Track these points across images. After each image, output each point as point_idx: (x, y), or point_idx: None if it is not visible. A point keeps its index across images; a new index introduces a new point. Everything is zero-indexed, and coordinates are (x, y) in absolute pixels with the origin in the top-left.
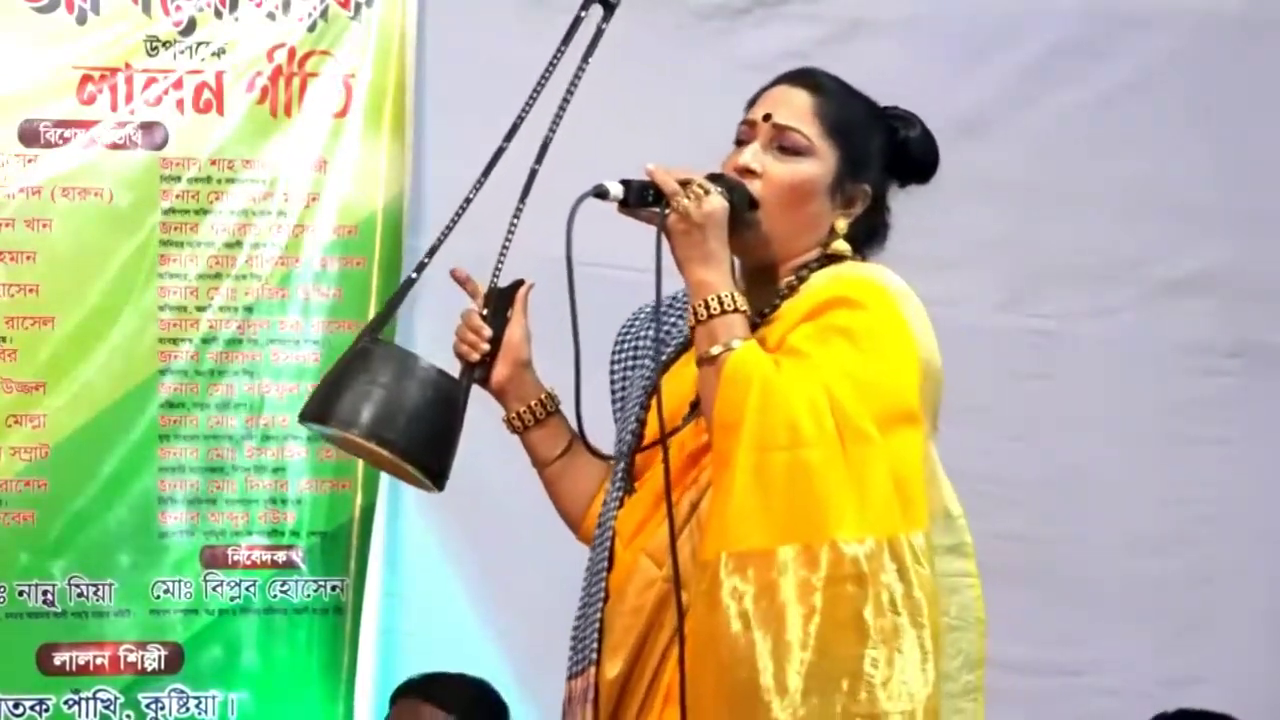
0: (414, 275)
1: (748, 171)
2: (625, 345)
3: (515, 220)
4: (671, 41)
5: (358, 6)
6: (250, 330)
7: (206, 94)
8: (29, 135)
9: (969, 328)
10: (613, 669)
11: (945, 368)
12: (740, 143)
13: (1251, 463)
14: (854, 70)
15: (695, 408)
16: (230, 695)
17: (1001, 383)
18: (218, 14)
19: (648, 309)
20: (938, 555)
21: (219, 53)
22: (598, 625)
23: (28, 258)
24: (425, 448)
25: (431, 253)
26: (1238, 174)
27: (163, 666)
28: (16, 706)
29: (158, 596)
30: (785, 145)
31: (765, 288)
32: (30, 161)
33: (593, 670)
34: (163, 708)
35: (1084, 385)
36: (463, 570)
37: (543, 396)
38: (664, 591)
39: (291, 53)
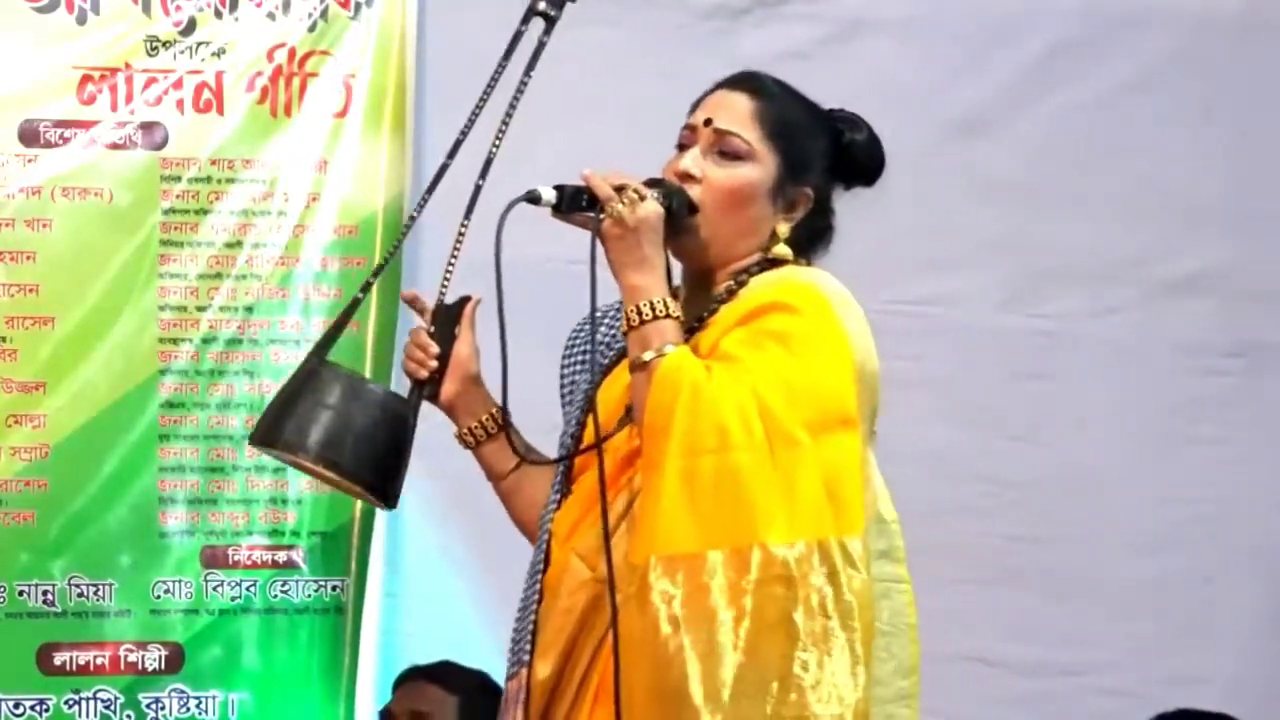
0: (360, 295)
1: (688, 176)
2: (574, 351)
3: (461, 235)
4: (671, 41)
5: (358, 6)
6: (250, 330)
7: (206, 94)
8: (29, 135)
9: (969, 328)
10: (544, 669)
11: (945, 367)
12: (682, 147)
13: (1252, 462)
14: (854, 70)
15: (630, 412)
16: (230, 695)
17: (1002, 383)
18: (218, 14)
19: (599, 313)
20: (871, 560)
21: (219, 53)
22: (532, 626)
23: (28, 258)
24: (373, 468)
25: (377, 272)
26: (1238, 174)
27: (163, 666)
28: (16, 706)
29: (158, 596)
30: (725, 150)
31: (705, 292)
32: (30, 161)
33: (525, 672)
34: (163, 708)
35: (1084, 385)
36: (463, 570)
37: (493, 411)
38: (595, 592)
39: (291, 53)
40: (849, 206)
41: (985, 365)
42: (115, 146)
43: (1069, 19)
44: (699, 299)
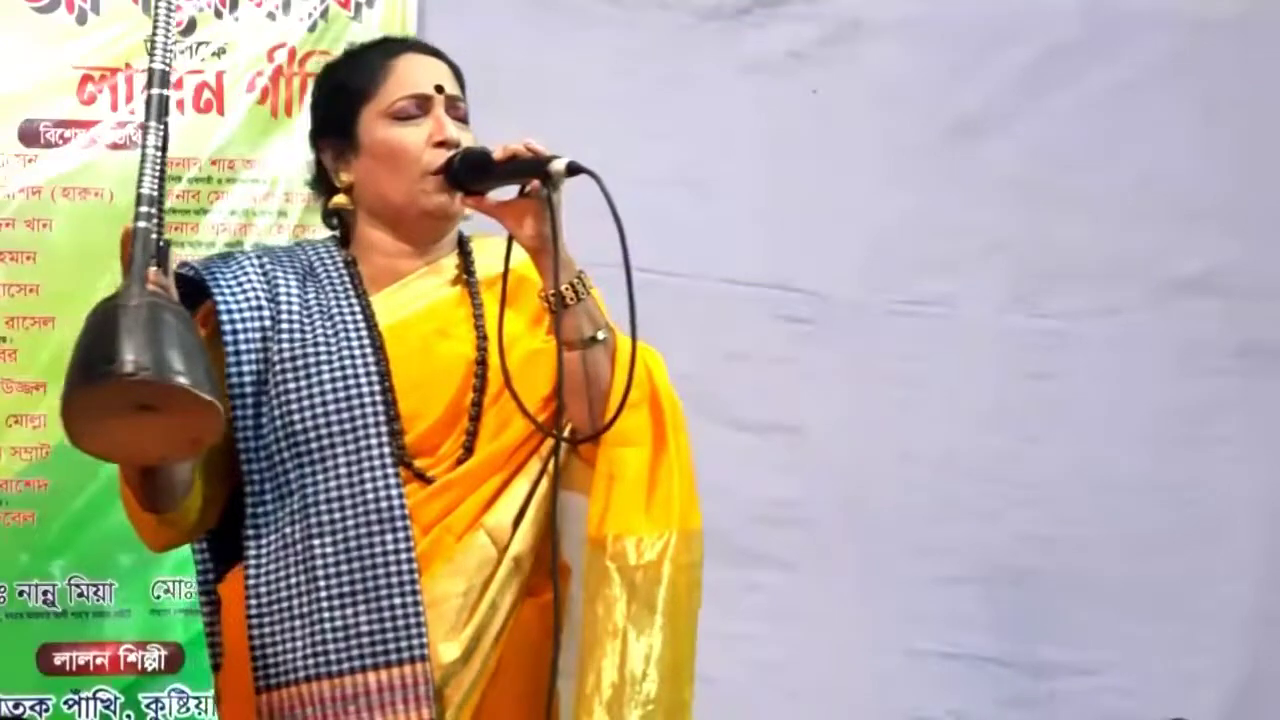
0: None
1: (456, 146)
2: (248, 294)
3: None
4: (672, 42)
5: (358, 6)
6: None
7: (206, 94)
8: (29, 135)
9: (973, 328)
10: (451, 652)
11: (949, 368)
12: (408, 116)
13: (1256, 462)
14: (854, 70)
15: (480, 389)
16: None
17: (1006, 383)
18: (218, 14)
19: (246, 256)
20: None
21: (219, 53)
22: (420, 611)
23: (28, 258)
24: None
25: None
26: (1241, 173)
27: (163, 666)
28: (16, 706)
29: (158, 596)
30: (459, 117)
31: (432, 250)
32: (30, 161)
33: (420, 664)
34: (163, 708)
35: (1089, 385)
36: None
37: None
38: (507, 572)
39: (291, 53)
40: (852, 207)
41: (988, 365)
42: (115, 146)
43: (1069, 19)
44: (426, 255)
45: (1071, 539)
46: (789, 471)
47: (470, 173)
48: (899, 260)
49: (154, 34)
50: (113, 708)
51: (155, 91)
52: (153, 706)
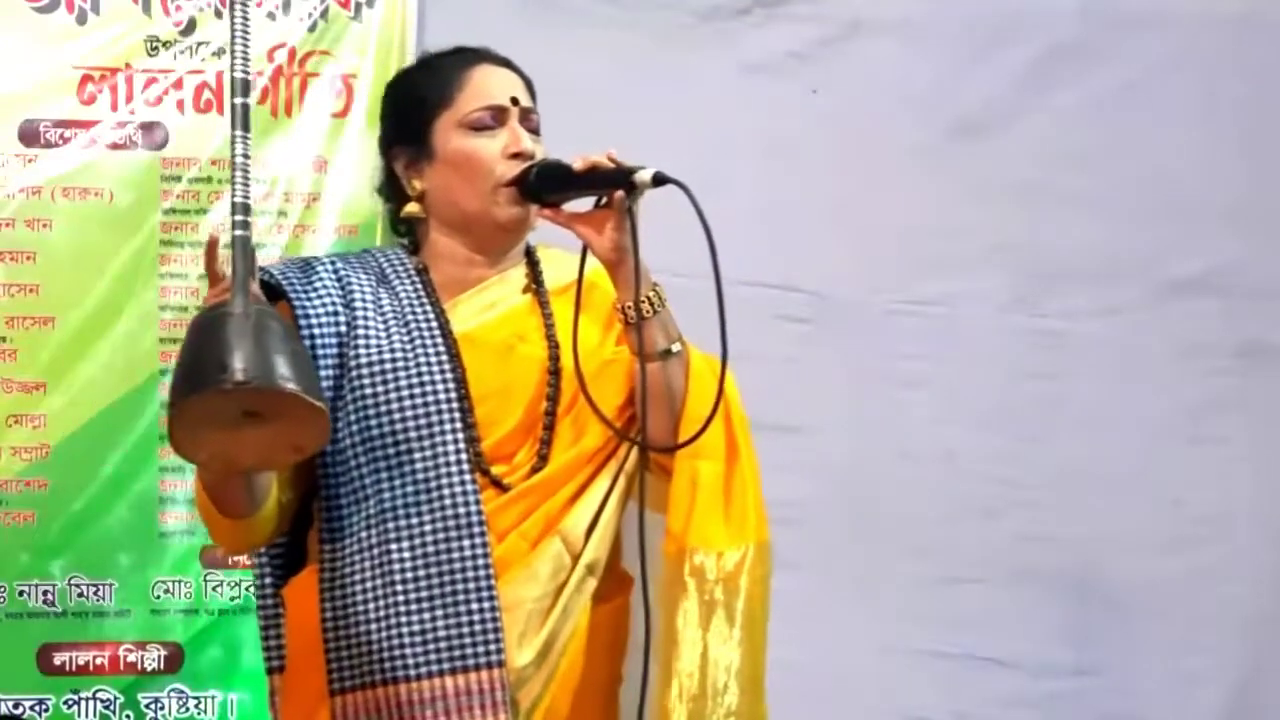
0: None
1: (531, 158)
2: (324, 301)
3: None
4: (672, 42)
5: (358, 6)
6: None
7: (206, 94)
8: (29, 135)
9: (973, 328)
10: (524, 657)
11: (950, 368)
12: (483, 127)
13: (1257, 462)
14: (854, 70)
15: (553, 397)
16: (230, 695)
17: (1007, 383)
18: (218, 14)
19: (321, 262)
20: None
21: (219, 53)
22: (497, 617)
23: (28, 258)
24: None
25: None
26: (1241, 173)
27: (163, 666)
28: (16, 706)
29: (158, 596)
30: (532, 128)
31: (501, 260)
32: (30, 161)
33: (496, 670)
34: (163, 708)
35: (1089, 385)
36: None
37: None
38: (580, 578)
39: (291, 53)
40: (852, 207)
41: (989, 365)
42: (115, 146)
43: (1069, 19)
44: (497, 265)
45: (1071, 539)
46: (789, 471)
47: (548, 185)
48: (899, 260)
49: (233, 42)
50: (112, 708)
51: (239, 101)
52: (152, 706)
